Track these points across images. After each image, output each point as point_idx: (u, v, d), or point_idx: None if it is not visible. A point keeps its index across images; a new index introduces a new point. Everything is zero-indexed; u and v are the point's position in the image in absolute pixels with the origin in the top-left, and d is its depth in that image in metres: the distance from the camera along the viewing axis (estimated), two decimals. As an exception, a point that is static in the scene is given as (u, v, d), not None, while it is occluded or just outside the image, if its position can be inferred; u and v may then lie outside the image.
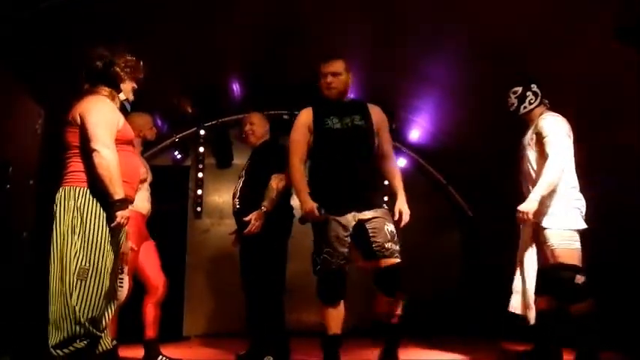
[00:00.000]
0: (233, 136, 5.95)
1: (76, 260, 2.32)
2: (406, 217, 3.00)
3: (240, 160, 5.91)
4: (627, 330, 3.65)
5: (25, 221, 3.66)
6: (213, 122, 5.93)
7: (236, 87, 5.38)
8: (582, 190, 3.17)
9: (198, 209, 5.95)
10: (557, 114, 3.21)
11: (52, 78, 3.57)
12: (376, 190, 3.10)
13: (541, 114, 3.22)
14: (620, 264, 3.87)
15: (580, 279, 2.97)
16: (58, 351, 2.29)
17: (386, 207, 3.09)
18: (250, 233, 3.40)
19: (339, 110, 3.11)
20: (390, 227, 2.94)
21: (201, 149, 5.96)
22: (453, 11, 3.80)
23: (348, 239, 2.95)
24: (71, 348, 2.30)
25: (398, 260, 2.92)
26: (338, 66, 3.11)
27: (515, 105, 3.30)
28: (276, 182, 3.48)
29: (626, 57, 3.23)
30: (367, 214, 2.95)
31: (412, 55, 4.37)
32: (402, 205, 3.02)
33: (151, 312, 3.51)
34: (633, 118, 3.50)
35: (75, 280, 2.31)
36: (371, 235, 2.93)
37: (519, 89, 3.29)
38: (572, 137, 3.17)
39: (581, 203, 3.14)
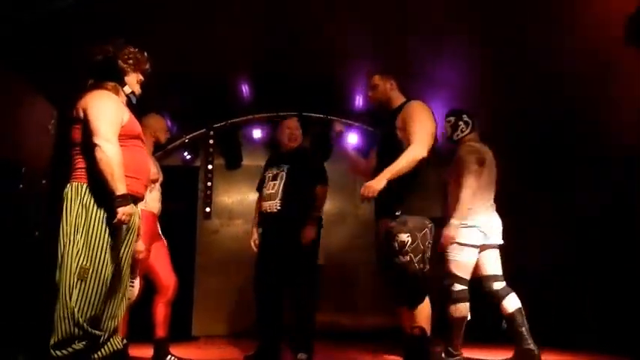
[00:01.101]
0: (242, 137, 5.99)
1: (77, 259, 2.25)
2: (363, 189, 2.79)
3: (248, 161, 5.94)
4: (627, 330, 3.64)
5: (37, 221, 3.69)
6: (223, 123, 5.96)
7: (245, 88, 5.39)
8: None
9: (208, 210, 5.98)
10: (476, 142, 3.49)
11: (54, 78, 3.58)
12: (397, 196, 2.92)
13: (469, 141, 3.50)
14: (620, 264, 3.87)
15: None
16: (57, 352, 2.23)
17: (398, 213, 2.91)
18: (309, 240, 3.57)
19: (383, 124, 3.22)
20: (400, 238, 2.88)
21: (211, 150, 5.99)
22: (457, 12, 3.81)
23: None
24: (70, 349, 2.24)
25: (403, 273, 2.88)
26: (373, 80, 3.19)
27: (449, 132, 3.58)
28: (322, 191, 3.72)
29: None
30: (386, 224, 2.98)
31: (414, 56, 4.37)
32: (372, 180, 2.83)
33: (161, 311, 3.52)
34: (634, 120, 3.52)
35: (75, 280, 2.23)
36: (383, 247, 3.01)
37: (452, 119, 3.56)
38: (485, 163, 3.42)
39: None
